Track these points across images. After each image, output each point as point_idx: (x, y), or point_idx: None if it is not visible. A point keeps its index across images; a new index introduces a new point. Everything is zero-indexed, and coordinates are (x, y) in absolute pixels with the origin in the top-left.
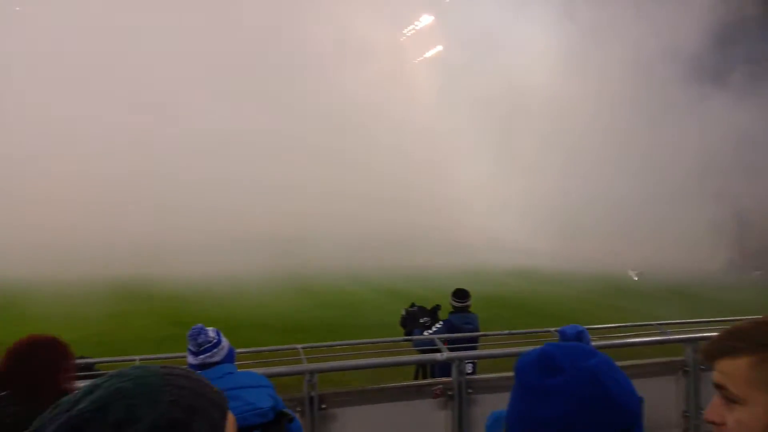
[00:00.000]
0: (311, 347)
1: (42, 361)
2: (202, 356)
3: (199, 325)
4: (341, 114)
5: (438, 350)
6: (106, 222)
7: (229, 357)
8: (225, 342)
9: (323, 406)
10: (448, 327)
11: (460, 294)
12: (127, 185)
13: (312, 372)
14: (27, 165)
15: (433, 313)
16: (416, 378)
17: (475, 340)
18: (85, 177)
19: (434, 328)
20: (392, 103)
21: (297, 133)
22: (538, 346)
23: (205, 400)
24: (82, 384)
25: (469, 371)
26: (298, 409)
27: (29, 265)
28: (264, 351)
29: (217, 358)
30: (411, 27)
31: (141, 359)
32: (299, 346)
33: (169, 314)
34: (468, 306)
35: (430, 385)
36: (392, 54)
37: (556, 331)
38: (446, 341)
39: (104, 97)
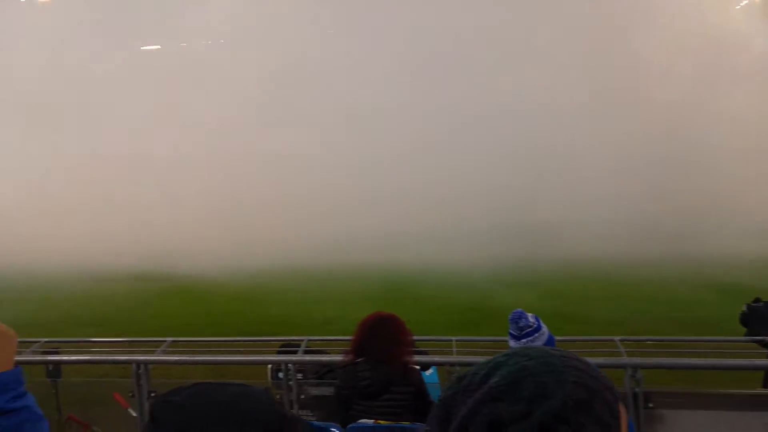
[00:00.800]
0: (629, 340)
1: (389, 334)
2: (523, 340)
3: (519, 309)
4: (630, 82)
5: None
6: (356, 214)
7: (550, 343)
8: (544, 328)
9: (650, 404)
10: None
11: None
12: (374, 180)
13: (635, 366)
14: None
15: None
16: (766, 386)
17: None
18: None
19: None
20: (710, 69)
21: (579, 98)
22: None
23: (600, 383)
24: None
25: None
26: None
27: (307, 255)
28: (578, 341)
29: (538, 343)
30: None
31: (457, 340)
32: (617, 338)
33: (451, 300)
34: None
35: None
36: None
37: None
38: None
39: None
